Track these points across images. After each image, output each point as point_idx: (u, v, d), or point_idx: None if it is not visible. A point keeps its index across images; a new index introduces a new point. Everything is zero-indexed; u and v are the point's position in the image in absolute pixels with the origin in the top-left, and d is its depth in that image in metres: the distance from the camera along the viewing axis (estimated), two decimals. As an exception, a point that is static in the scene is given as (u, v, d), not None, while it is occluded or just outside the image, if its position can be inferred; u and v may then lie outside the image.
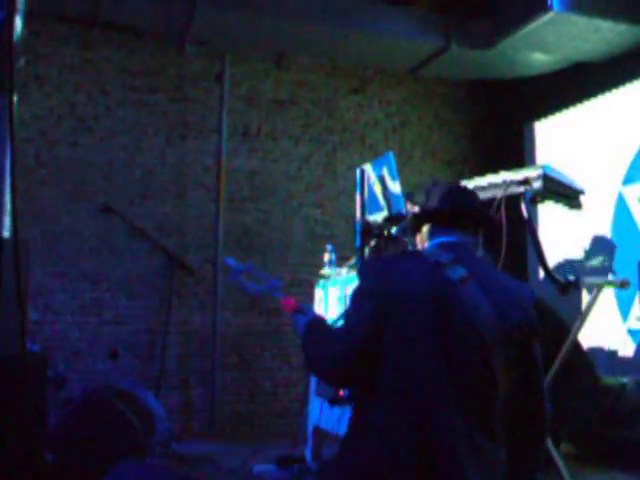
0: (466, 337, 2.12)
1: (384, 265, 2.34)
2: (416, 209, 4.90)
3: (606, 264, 5.58)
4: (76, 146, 6.18)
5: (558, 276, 3.40)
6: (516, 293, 2.31)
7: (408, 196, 4.63)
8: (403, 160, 6.92)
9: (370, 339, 2.12)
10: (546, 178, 3.26)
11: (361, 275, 2.35)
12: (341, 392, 3.79)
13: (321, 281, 4.69)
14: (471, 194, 2.51)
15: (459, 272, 2.22)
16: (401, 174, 4.06)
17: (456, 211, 2.41)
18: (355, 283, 3.58)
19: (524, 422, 2.28)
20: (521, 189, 3.32)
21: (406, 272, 2.23)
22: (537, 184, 3.28)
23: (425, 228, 2.46)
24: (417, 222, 2.51)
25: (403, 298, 2.15)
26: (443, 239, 2.37)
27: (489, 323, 2.16)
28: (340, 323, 3.25)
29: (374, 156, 4.27)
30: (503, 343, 2.18)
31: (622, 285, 3.58)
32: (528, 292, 2.35)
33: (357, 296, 2.27)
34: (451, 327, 2.12)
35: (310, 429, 4.57)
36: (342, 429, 3.63)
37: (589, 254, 5.89)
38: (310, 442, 4.56)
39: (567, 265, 5.82)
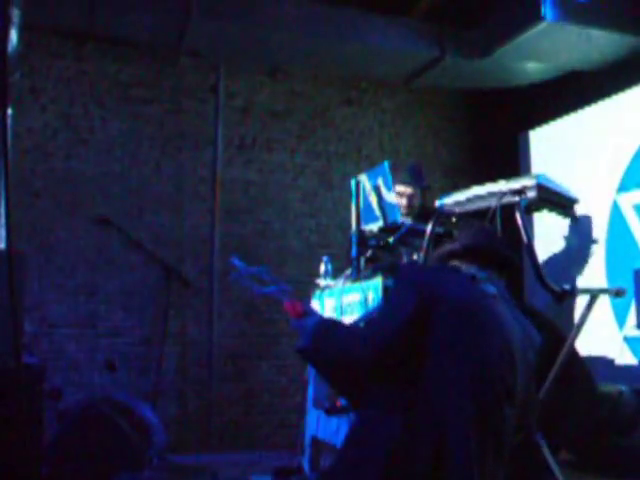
0: (496, 352, 2.14)
1: (424, 269, 2.37)
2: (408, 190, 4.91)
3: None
4: (71, 158, 6.19)
5: (553, 285, 3.40)
6: (530, 331, 2.36)
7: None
8: (398, 170, 6.92)
9: (403, 336, 2.12)
10: (540, 187, 3.26)
11: (401, 277, 2.34)
12: (338, 402, 3.78)
13: (317, 292, 4.69)
14: (501, 238, 2.60)
15: (492, 289, 2.30)
16: (396, 183, 4.07)
17: (490, 251, 2.47)
18: (351, 293, 3.57)
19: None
20: (516, 198, 3.33)
21: (445, 279, 2.27)
22: (531, 193, 3.29)
23: (456, 262, 2.49)
24: (449, 256, 2.53)
25: (442, 301, 2.16)
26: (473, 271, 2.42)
27: (517, 341, 2.19)
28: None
29: (369, 166, 4.28)
30: (525, 365, 2.21)
31: (617, 294, 3.58)
32: (538, 336, 2.39)
33: (394, 296, 2.28)
34: (484, 339, 2.13)
35: (307, 440, 4.57)
36: (339, 439, 3.63)
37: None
38: (307, 453, 4.55)
39: (562, 273, 5.84)
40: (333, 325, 2.37)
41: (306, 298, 4.71)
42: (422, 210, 4.75)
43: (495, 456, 2.09)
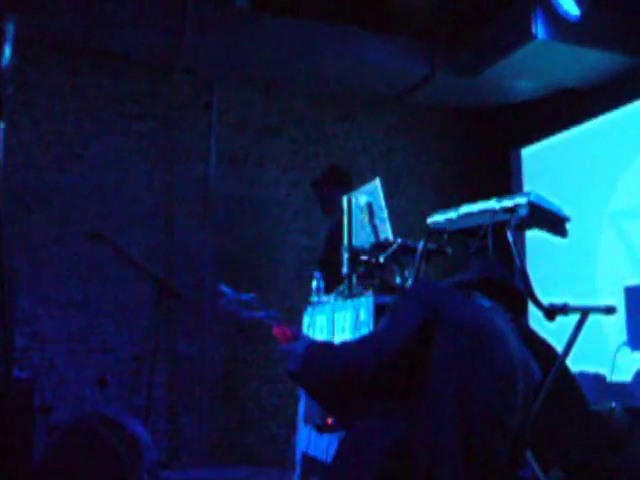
0: (496, 379, 2.14)
1: (434, 288, 2.37)
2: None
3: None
4: (64, 173, 6.19)
5: (544, 302, 3.41)
6: (531, 366, 2.37)
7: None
8: (390, 186, 6.94)
9: (405, 352, 2.12)
10: (532, 205, 3.27)
11: (410, 293, 2.36)
12: (329, 419, 3.77)
13: (309, 308, 4.68)
14: (505, 268, 2.60)
15: (487, 302, 2.34)
16: (388, 200, 4.07)
17: (502, 284, 2.51)
18: (343, 309, 3.57)
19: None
20: (507, 216, 3.34)
21: (454, 300, 2.29)
22: (523, 211, 3.30)
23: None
24: (463, 286, 2.54)
25: (447, 321, 2.16)
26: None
27: (518, 372, 2.20)
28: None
29: (361, 183, 4.28)
30: (523, 398, 2.22)
31: (608, 311, 3.59)
32: (538, 372, 2.40)
33: (401, 311, 2.26)
34: (485, 363, 2.13)
35: (298, 456, 4.55)
36: (330, 456, 3.62)
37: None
38: (298, 469, 4.54)
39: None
40: (325, 346, 2.36)
41: (296, 319, 4.71)
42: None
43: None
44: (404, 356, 2.12)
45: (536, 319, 4.23)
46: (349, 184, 5.55)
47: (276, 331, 2.45)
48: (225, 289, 2.66)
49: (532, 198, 3.32)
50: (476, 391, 2.11)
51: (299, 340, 2.39)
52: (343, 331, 3.93)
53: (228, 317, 6.37)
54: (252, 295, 2.62)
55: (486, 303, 2.34)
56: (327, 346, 2.36)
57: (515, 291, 2.55)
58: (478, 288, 2.46)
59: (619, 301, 5.30)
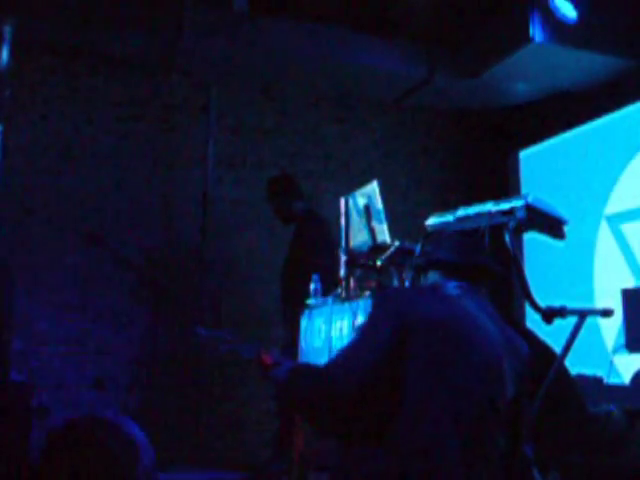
0: (480, 368, 2.15)
1: (399, 295, 2.34)
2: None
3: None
4: (62, 175, 6.18)
5: (542, 305, 3.41)
6: (516, 341, 2.36)
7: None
8: (388, 189, 6.92)
9: (381, 367, 2.09)
10: (530, 208, 3.28)
11: (377, 303, 2.32)
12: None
13: (306, 311, 4.68)
14: (481, 247, 2.60)
15: (455, 290, 2.32)
16: (386, 203, 4.07)
17: (465, 265, 2.45)
18: (340, 312, 3.56)
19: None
20: (505, 219, 3.34)
21: (422, 302, 2.25)
22: (521, 214, 3.30)
23: (430, 274, 2.49)
24: (423, 269, 2.54)
25: (418, 326, 2.14)
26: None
27: (502, 354, 2.20)
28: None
29: (359, 185, 4.28)
30: (513, 376, 2.22)
31: (605, 314, 3.60)
32: (525, 345, 2.39)
33: (370, 322, 2.24)
34: (464, 358, 2.13)
35: (296, 458, 4.55)
36: (327, 459, 3.62)
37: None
38: (296, 471, 4.53)
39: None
40: (305, 370, 2.32)
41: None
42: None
43: (487, 472, 2.09)
44: (380, 372, 2.10)
45: (534, 321, 4.24)
46: (299, 189, 5.65)
47: (255, 361, 2.43)
48: (200, 331, 2.64)
49: (530, 200, 3.33)
50: (461, 384, 2.10)
51: (279, 365, 2.37)
52: (341, 334, 3.93)
53: (227, 315, 6.39)
54: (225, 330, 2.60)
55: (454, 291, 2.31)
56: (306, 370, 2.33)
57: (481, 268, 2.50)
58: (449, 270, 2.45)
59: (616, 304, 5.30)
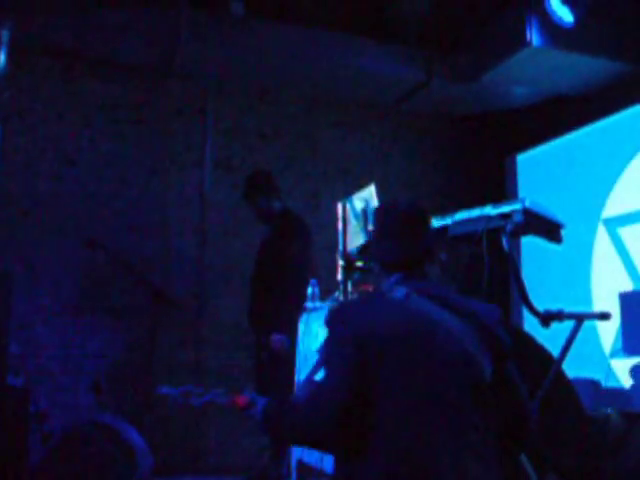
0: (448, 362, 2.14)
1: (347, 315, 2.28)
2: None
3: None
4: (59, 179, 6.18)
5: (539, 308, 3.41)
6: (480, 311, 2.33)
7: None
8: (386, 192, 6.94)
9: (352, 392, 2.08)
10: (527, 212, 3.28)
11: (330, 324, 2.28)
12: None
13: (304, 315, 4.68)
14: (418, 226, 2.49)
15: (400, 292, 2.26)
16: (383, 207, 4.07)
17: (406, 260, 2.41)
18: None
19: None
20: (502, 222, 3.34)
21: (371, 315, 2.21)
22: (518, 217, 3.30)
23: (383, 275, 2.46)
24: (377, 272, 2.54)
25: (375, 341, 2.12)
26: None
27: (469, 337, 2.19)
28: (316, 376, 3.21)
29: (357, 189, 4.28)
30: (489, 352, 2.21)
31: (602, 317, 3.60)
32: (493, 311, 2.37)
33: (332, 351, 2.23)
34: (430, 360, 2.13)
35: (293, 463, 4.55)
36: (325, 463, 3.62)
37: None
38: (294, 476, 4.54)
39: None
40: (279, 408, 2.30)
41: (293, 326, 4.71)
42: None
43: (475, 463, 2.09)
44: (353, 397, 2.09)
45: (531, 325, 4.24)
46: (277, 186, 5.45)
47: (230, 405, 2.42)
48: (164, 390, 2.61)
49: (527, 204, 3.33)
50: (431, 387, 2.10)
51: (255, 404, 2.35)
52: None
53: (226, 318, 6.39)
54: (189, 385, 2.57)
55: (400, 293, 2.26)
56: (280, 407, 2.32)
57: (429, 251, 2.47)
58: (395, 268, 2.42)
59: (614, 307, 5.31)
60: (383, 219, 2.53)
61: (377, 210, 2.63)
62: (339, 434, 2.13)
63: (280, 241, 5.27)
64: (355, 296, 3.91)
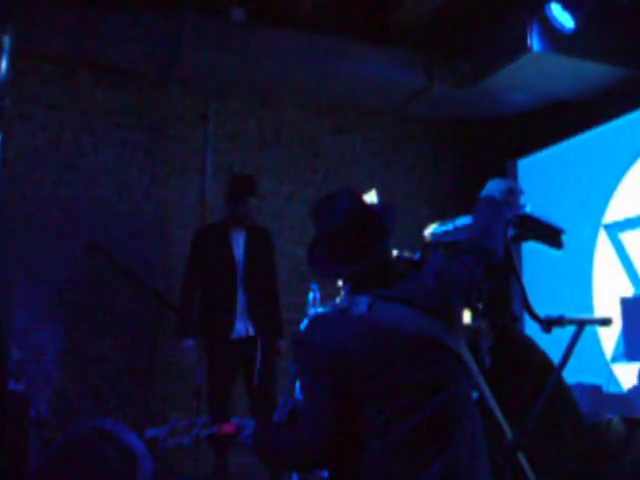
0: (399, 362, 2.14)
1: (314, 336, 2.22)
2: None
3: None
4: (61, 184, 6.19)
5: (540, 314, 3.41)
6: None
7: None
8: (387, 198, 6.93)
9: (336, 415, 2.08)
10: (528, 217, 3.28)
11: (297, 354, 2.25)
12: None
13: (305, 320, 4.68)
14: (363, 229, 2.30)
15: (364, 304, 2.18)
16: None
17: (361, 270, 2.28)
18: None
19: None
20: (503, 228, 3.34)
21: (336, 335, 2.17)
22: (519, 223, 3.30)
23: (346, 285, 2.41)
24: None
25: (345, 362, 2.11)
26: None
27: (418, 327, 2.17)
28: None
29: (358, 194, 4.29)
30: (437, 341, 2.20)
31: (604, 323, 3.60)
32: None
33: (304, 376, 2.22)
34: (402, 368, 2.12)
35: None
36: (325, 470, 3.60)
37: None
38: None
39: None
40: (266, 435, 2.28)
41: (296, 326, 4.71)
42: None
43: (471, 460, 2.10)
44: (337, 419, 2.09)
45: (533, 330, 4.24)
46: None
47: (218, 434, 2.39)
48: (152, 433, 2.56)
49: (528, 210, 3.33)
50: (408, 397, 2.10)
51: (242, 430, 2.32)
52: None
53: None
54: (171, 422, 2.51)
55: (362, 306, 2.17)
56: (268, 432, 2.30)
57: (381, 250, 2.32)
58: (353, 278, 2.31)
59: (615, 312, 5.30)
60: (325, 224, 2.32)
61: (316, 212, 2.38)
62: (327, 461, 2.14)
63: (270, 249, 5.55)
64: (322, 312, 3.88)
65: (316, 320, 2.33)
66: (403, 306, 2.20)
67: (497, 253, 2.44)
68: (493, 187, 2.64)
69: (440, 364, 2.15)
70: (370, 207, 2.38)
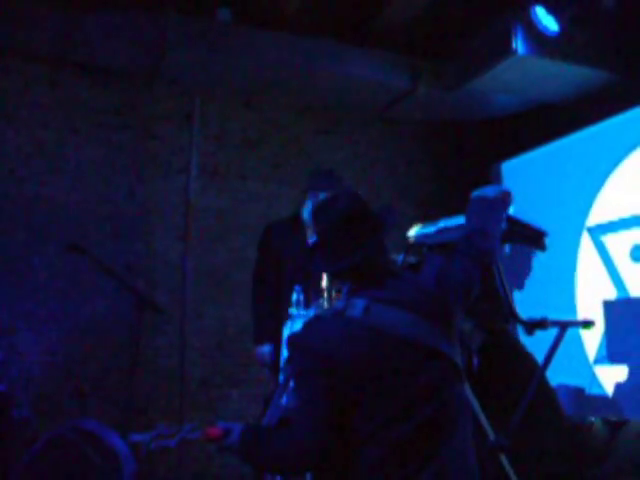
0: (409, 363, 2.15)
1: (310, 339, 2.24)
2: None
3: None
4: (45, 184, 6.15)
5: (523, 316, 3.43)
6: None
7: None
8: (372, 200, 6.93)
9: (331, 419, 2.09)
10: (511, 220, 3.30)
11: (291, 355, 2.27)
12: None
13: (288, 322, 4.67)
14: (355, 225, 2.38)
15: (359, 306, 2.20)
16: (369, 214, 4.08)
17: (354, 266, 2.33)
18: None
19: None
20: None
21: (332, 340, 2.18)
22: (502, 225, 3.32)
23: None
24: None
25: (340, 366, 2.11)
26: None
27: (416, 331, 2.18)
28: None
29: (342, 196, 4.28)
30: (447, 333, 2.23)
31: (585, 325, 3.62)
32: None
33: (298, 378, 2.22)
34: (399, 370, 2.13)
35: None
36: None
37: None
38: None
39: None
40: (255, 438, 2.27)
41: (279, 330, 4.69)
42: None
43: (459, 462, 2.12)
44: (333, 423, 2.10)
45: (515, 332, 4.26)
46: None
47: (204, 438, 2.37)
48: (136, 438, 2.53)
49: (511, 212, 3.35)
50: (402, 403, 2.11)
51: (229, 434, 2.31)
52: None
53: (210, 324, 6.38)
54: (157, 428, 2.49)
55: (358, 309, 2.19)
56: (257, 434, 2.28)
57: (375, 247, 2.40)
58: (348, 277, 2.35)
59: (598, 315, 5.33)
60: (323, 222, 2.40)
61: (315, 212, 2.47)
62: (318, 463, 2.13)
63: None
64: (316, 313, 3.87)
65: (311, 322, 2.34)
66: (399, 310, 2.20)
67: (493, 254, 2.46)
68: (488, 189, 2.69)
69: (434, 370, 2.15)
70: (368, 207, 2.47)
